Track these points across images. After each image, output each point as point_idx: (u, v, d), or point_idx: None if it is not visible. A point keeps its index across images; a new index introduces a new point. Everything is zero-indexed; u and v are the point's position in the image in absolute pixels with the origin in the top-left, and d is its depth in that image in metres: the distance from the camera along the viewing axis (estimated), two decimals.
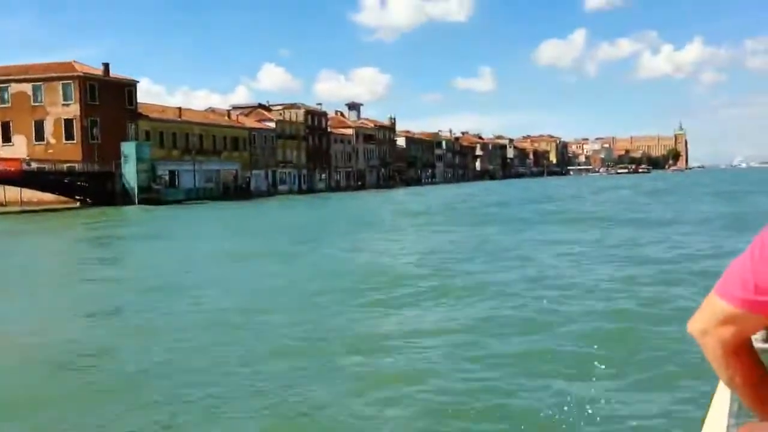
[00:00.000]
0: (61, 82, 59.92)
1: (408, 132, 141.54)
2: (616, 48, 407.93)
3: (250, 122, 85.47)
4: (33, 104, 60.26)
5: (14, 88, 60.74)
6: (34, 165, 56.22)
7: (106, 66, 62.72)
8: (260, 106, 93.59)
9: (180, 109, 72.61)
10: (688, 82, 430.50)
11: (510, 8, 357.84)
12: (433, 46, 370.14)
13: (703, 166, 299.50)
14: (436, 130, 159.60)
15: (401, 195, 77.21)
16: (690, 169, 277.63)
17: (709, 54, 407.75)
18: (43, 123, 60.33)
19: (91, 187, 57.46)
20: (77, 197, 57.33)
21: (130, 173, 56.72)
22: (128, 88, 64.55)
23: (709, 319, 1.40)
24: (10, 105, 60.69)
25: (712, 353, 1.41)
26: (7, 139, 60.83)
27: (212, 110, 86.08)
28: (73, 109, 59.69)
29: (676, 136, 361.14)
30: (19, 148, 59.91)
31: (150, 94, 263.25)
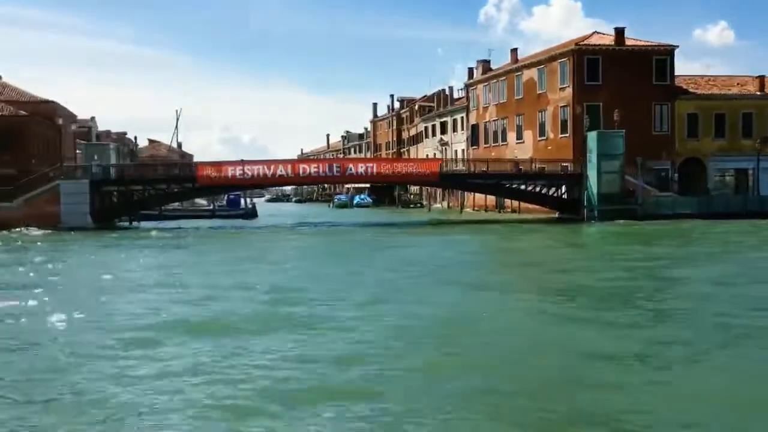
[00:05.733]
0: (558, 61, 47.83)
1: None
2: None
3: None
4: (538, 92, 50.09)
5: (525, 75, 51.78)
6: (536, 166, 46.19)
7: (619, 32, 46.72)
8: None
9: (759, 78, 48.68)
10: None
11: None
12: None
13: None
14: None
15: None
16: None
17: None
18: (544, 114, 49.57)
19: (567, 195, 44.15)
20: (549, 207, 44.95)
21: (591, 176, 40.59)
22: (657, 56, 46.70)
23: None
24: (522, 96, 52.08)
25: None
26: (519, 135, 52.52)
27: None
28: (567, 94, 46.82)
29: None
30: (527, 145, 50.91)
31: None
